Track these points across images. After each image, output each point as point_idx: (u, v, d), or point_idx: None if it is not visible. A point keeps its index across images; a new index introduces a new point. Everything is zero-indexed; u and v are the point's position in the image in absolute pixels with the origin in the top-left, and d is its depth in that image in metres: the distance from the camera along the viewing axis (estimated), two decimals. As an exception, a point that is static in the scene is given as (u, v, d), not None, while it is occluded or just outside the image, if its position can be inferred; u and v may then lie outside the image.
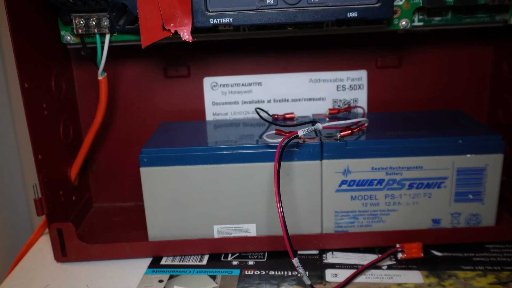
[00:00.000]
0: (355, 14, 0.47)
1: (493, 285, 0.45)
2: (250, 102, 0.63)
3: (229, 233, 0.52)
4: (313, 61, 0.61)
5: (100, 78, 0.53)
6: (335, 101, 0.62)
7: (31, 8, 0.49)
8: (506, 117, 0.58)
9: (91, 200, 0.65)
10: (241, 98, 0.62)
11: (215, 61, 0.61)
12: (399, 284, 0.46)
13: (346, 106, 0.62)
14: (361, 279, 0.47)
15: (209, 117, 0.63)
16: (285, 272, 0.49)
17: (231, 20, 0.47)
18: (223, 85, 0.62)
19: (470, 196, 0.51)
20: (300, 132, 0.47)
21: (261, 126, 0.57)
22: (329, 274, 0.48)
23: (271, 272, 0.49)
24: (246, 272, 0.49)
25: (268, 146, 0.49)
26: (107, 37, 0.51)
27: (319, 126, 0.48)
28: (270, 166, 0.50)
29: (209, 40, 0.57)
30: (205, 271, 0.49)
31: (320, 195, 0.51)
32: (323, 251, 0.52)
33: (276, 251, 0.52)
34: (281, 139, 0.46)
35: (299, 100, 0.62)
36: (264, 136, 0.49)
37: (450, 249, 0.51)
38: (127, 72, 0.61)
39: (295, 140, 0.49)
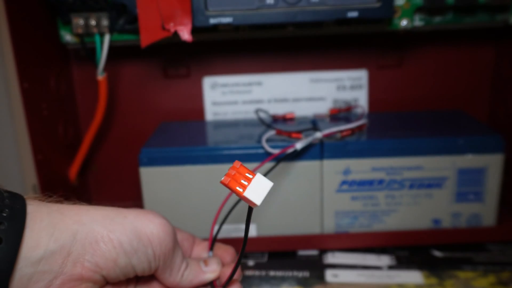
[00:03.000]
0: (355, 14, 0.47)
1: (493, 286, 0.45)
2: (250, 102, 0.62)
3: (229, 233, 0.52)
4: (313, 61, 0.61)
5: (99, 78, 0.53)
6: (335, 101, 0.62)
7: (30, 8, 0.49)
8: (506, 117, 0.58)
9: (90, 200, 0.65)
10: (241, 98, 0.62)
11: (215, 61, 0.61)
12: (399, 285, 0.46)
13: (347, 106, 0.62)
14: (361, 279, 0.47)
15: (209, 117, 0.63)
16: (285, 273, 0.49)
17: (231, 19, 0.47)
18: (223, 85, 0.62)
19: (471, 196, 0.51)
20: (298, 145, 0.46)
21: (261, 126, 0.57)
22: (329, 274, 0.48)
23: (271, 273, 0.49)
24: (246, 273, 0.49)
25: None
26: (107, 37, 0.50)
27: (318, 135, 0.48)
28: (270, 166, 0.49)
29: (209, 40, 0.56)
30: (205, 272, 0.49)
31: (320, 195, 0.51)
32: (323, 252, 0.52)
33: (277, 252, 0.52)
34: (279, 151, 0.46)
35: (299, 100, 0.62)
36: (263, 139, 0.49)
37: (451, 249, 0.51)
38: (127, 72, 0.61)
39: (295, 140, 0.49)
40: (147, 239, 0.30)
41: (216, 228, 0.41)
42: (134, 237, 0.30)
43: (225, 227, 0.52)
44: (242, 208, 0.51)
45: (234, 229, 0.52)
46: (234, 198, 0.41)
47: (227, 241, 0.51)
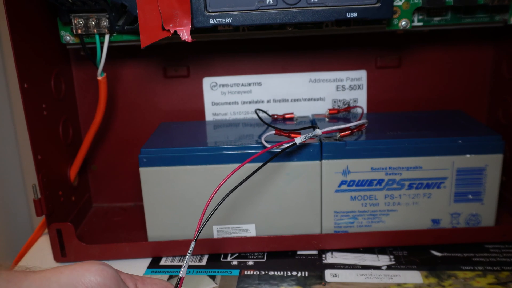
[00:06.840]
0: (354, 14, 0.47)
1: (492, 285, 0.45)
2: (250, 102, 0.62)
3: (229, 233, 0.52)
4: (312, 61, 0.61)
5: (99, 78, 0.53)
6: (334, 101, 0.62)
7: (30, 9, 0.49)
8: (506, 117, 0.58)
9: (90, 200, 0.65)
10: (241, 98, 0.62)
11: (215, 61, 0.61)
12: (398, 284, 0.46)
13: (346, 106, 0.62)
14: (360, 279, 0.47)
15: (208, 117, 0.63)
16: (285, 272, 0.49)
17: (230, 20, 0.47)
18: (223, 85, 0.62)
19: (470, 196, 0.51)
20: (298, 140, 0.46)
21: (260, 126, 0.57)
22: (328, 274, 0.48)
23: (271, 272, 0.49)
24: (245, 272, 0.49)
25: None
26: (107, 37, 0.51)
27: (318, 132, 0.48)
28: (270, 166, 0.50)
29: (208, 40, 0.57)
30: (205, 272, 0.49)
31: (319, 195, 0.51)
32: (322, 251, 0.52)
33: (276, 252, 0.52)
34: (278, 144, 0.46)
35: (298, 100, 0.62)
36: (262, 138, 0.49)
37: (450, 249, 0.51)
38: (127, 72, 0.61)
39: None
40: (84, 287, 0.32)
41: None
42: None
43: (225, 226, 0.52)
44: (243, 208, 0.51)
45: (234, 229, 0.52)
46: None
47: (227, 241, 0.52)
